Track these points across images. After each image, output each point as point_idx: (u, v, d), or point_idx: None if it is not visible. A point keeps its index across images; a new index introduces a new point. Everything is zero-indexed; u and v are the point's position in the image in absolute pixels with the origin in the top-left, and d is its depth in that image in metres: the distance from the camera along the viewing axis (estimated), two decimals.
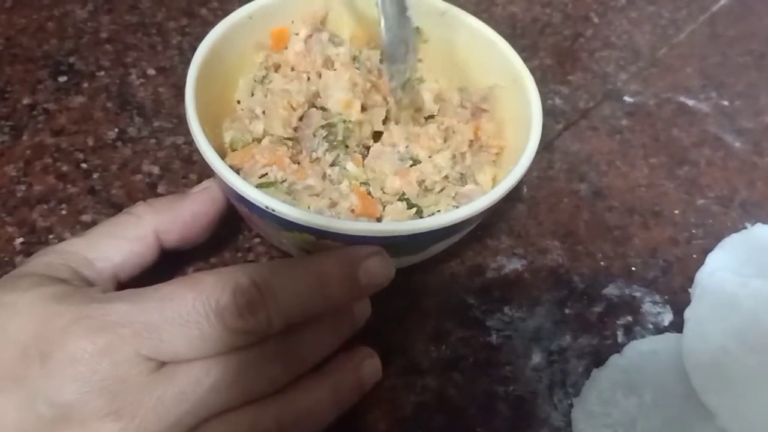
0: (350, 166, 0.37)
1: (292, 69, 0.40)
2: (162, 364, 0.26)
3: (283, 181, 0.35)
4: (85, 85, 0.46)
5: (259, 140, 0.37)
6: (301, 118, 0.38)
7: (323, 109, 0.38)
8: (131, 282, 0.32)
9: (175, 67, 0.47)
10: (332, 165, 0.37)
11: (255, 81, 0.39)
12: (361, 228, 0.30)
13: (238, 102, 0.39)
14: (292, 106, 0.37)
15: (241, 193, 0.31)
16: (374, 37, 0.42)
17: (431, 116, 0.41)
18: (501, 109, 0.40)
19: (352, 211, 0.34)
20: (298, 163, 0.36)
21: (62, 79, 0.46)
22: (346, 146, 0.37)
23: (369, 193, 0.36)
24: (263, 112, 0.37)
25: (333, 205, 0.34)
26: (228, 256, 0.39)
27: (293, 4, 0.40)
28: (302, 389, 0.30)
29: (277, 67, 0.40)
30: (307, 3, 0.41)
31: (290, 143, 0.37)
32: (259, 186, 0.33)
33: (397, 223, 0.34)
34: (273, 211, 0.30)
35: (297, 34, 0.40)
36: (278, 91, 0.38)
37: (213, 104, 0.36)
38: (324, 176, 0.36)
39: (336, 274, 0.29)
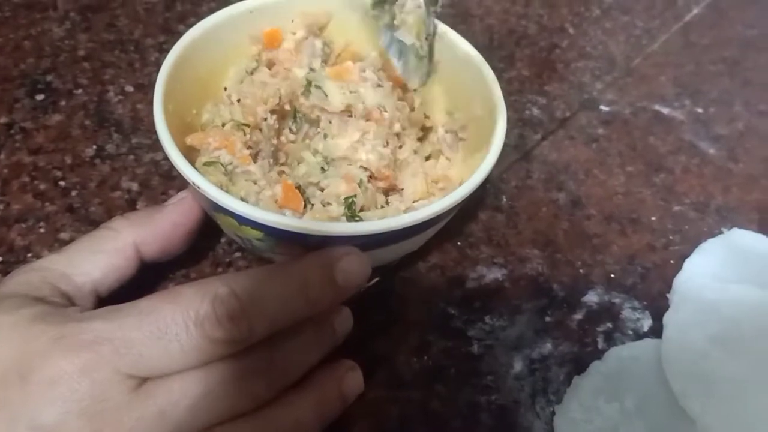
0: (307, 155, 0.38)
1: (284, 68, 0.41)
2: (143, 380, 0.26)
3: (230, 164, 0.35)
4: (63, 103, 0.46)
5: (224, 124, 0.38)
6: (276, 112, 0.39)
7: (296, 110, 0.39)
8: (112, 297, 0.32)
9: (153, 83, 0.47)
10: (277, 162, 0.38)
11: (246, 72, 0.40)
12: (272, 218, 0.30)
13: (225, 89, 0.40)
14: (263, 99, 0.38)
15: (175, 165, 0.31)
16: (362, 56, 0.43)
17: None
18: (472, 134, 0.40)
19: (276, 201, 0.35)
20: (250, 148, 0.37)
21: (39, 97, 0.46)
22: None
23: (299, 187, 0.37)
24: (238, 100, 0.38)
25: (259, 192, 0.35)
26: (208, 271, 0.39)
27: (297, 5, 0.41)
28: (285, 404, 0.29)
29: (271, 64, 0.41)
30: (310, 7, 0.42)
31: (247, 130, 0.37)
32: (204, 164, 0.35)
33: (291, 218, 0.32)
34: (198, 187, 0.31)
35: (294, 34, 0.41)
36: (258, 82, 0.39)
37: (196, 87, 0.38)
38: (269, 167, 0.37)
39: (315, 278, 0.29)
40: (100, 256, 0.32)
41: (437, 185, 0.39)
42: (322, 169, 0.37)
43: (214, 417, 0.27)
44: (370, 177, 0.37)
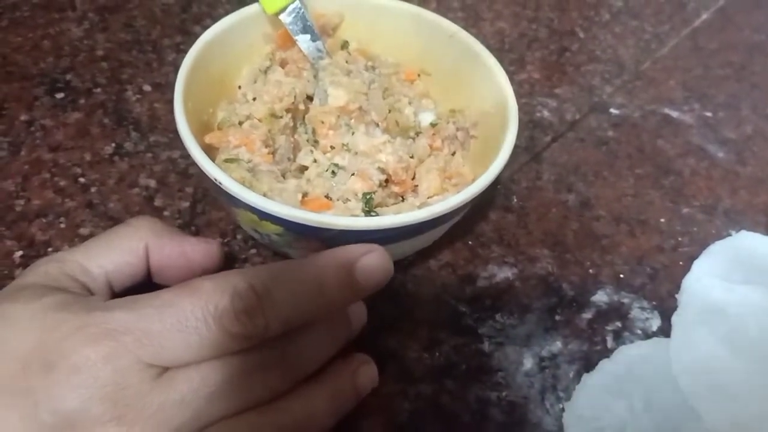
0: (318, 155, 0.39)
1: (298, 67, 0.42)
2: (164, 369, 0.26)
3: (249, 162, 0.36)
4: (82, 101, 0.46)
5: (242, 123, 0.38)
6: (290, 111, 0.40)
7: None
8: (125, 294, 0.32)
9: (171, 83, 0.47)
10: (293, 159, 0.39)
11: (260, 70, 0.41)
12: (292, 213, 0.31)
13: (240, 87, 0.41)
14: (279, 96, 0.39)
15: (197, 162, 0.32)
16: (374, 56, 0.44)
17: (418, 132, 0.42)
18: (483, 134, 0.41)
19: (298, 196, 0.36)
20: (268, 146, 0.38)
21: (59, 95, 0.47)
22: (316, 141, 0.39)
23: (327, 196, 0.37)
24: (254, 98, 0.39)
25: (282, 188, 0.35)
26: (224, 267, 0.39)
27: (310, 6, 0.42)
28: (300, 396, 0.30)
29: (284, 63, 0.42)
30: (323, 8, 0.43)
31: (266, 128, 0.38)
32: (225, 161, 0.35)
33: (322, 215, 0.33)
34: (220, 183, 0.31)
35: None
36: (273, 81, 0.40)
37: (212, 86, 0.39)
38: (288, 163, 0.38)
39: (333, 276, 0.29)
40: (115, 251, 0.32)
41: (451, 181, 0.39)
42: (333, 173, 0.38)
43: (231, 406, 0.28)
44: (387, 180, 0.38)
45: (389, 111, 0.40)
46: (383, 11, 0.43)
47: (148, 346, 0.26)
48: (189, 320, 0.26)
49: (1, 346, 0.26)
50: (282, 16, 0.41)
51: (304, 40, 0.42)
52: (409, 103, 0.41)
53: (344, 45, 0.44)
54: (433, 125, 0.42)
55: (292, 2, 0.41)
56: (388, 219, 0.32)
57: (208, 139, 0.37)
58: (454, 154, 0.41)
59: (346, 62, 0.42)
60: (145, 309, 0.27)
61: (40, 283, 0.29)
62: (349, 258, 0.29)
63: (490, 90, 0.40)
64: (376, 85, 0.41)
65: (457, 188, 0.38)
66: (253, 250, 0.40)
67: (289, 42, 0.42)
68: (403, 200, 0.38)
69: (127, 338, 0.26)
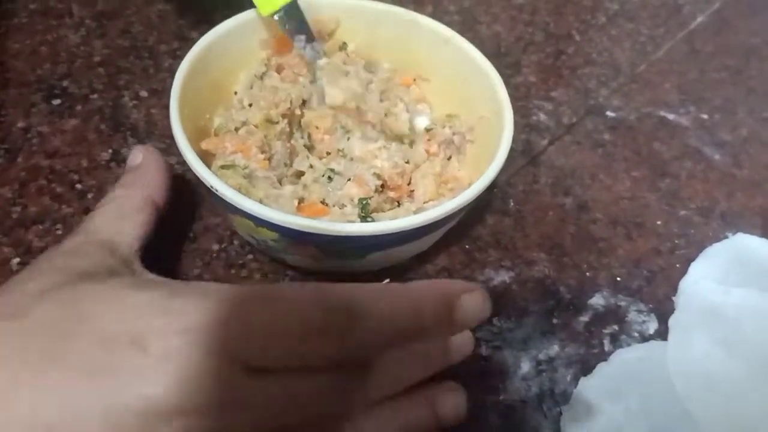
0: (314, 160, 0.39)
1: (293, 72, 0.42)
2: (247, 368, 0.26)
3: (245, 168, 0.36)
4: (79, 107, 0.47)
5: (238, 129, 0.38)
6: (286, 117, 0.40)
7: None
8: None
9: (167, 89, 0.47)
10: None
11: (255, 76, 0.41)
12: (287, 220, 0.31)
13: (236, 93, 0.41)
14: (275, 102, 0.39)
15: (193, 169, 0.33)
16: (371, 61, 0.44)
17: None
18: (480, 138, 0.41)
19: (294, 202, 0.36)
20: (264, 152, 0.38)
21: (56, 102, 0.47)
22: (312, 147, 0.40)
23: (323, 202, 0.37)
24: (250, 104, 0.39)
25: (278, 194, 0.36)
26: (221, 272, 0.39)
27: (307, 12, 0.42)
28: (371, 418, 0.29)
29: (280, 69, 0.42)
30: (319, 13, 0.43)
31: (262, 134, 0.38)
32: (222, 167, 0.36)
33: (316, 221, 0.33)
34: (215, 190, 0.32)
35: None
36: (269, 86, 0.40)
37: (209, 92, 0.39)
38: (285, 169, 0.38)
39: (431, 308, 0.27)
40: (130, 217, 0.33)
41: (447, 186, 0.40)
42: (329, 178, 0.38)
43: (305, 418, 0.27)
44: (383, 186, 0.38)
45: (385, 114, 0.40)
46: (379, 16, 0.43)
47: (238, 342, 0.25)
48: (279, 326, 0.26)
49: (83, 324, 0.25)
50: (277, 17, 0.41)
51: (299, 41, 0.42)
52: (406, 110, 0.41)
53: (342, 46, 0.44)
54: (428, 130, 0.42)
55: (287, 3, 0.41)
56: (383, 225, 0.32)
57: (205, 145, 0.37)
58: (450, 158, 0.41)
59: (344, 63, 0.42)
60: (237, 305, 0.26)
61: (90, 266, 0.29)
62: (451, 292, 0.28)
63: (486, 95, 0.40)
64: (374, 86, 0.41)
65: (453, 193, 0.39)
66: (250, 256, 0.40)
67: (285, 47, 0.42)
68: (399, 205, 0.38)
69: (216, 332, 0.25)
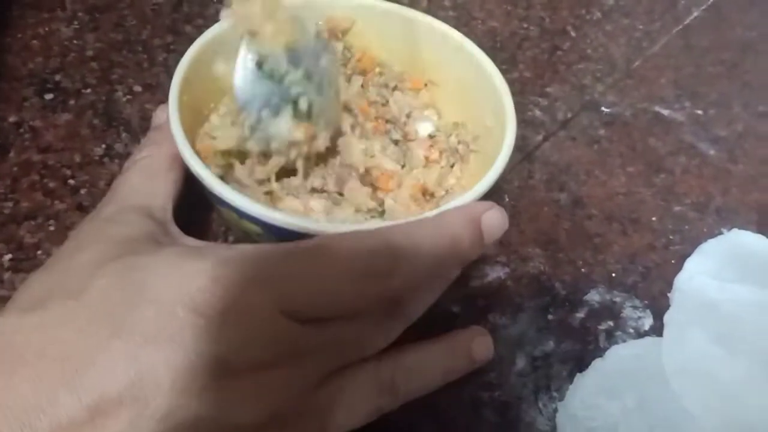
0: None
1: None
2: (300, 321, 0.26)
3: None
4: (72, 102, 0.46)
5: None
6: None
7: None
8: None
9: (162, 83, 0.48)
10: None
11: None
12: (268, 214, 0.31)
13: None
14: None
15: (181, 152, 0.33)
16: (381, 62, 0.44)
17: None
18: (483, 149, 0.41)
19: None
20: None
21: (48, 96, 0.46)
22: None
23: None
24: None
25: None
26: None
27: (323, 9, 0.42)
28: (417, 351, 0.32)
29: None
30: (335, 11, 0.42)
31: None
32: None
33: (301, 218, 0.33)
34: (201, 179, 0.32)
35: None
36: None
37: (215, 81, 0.38)
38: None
39: (467, 235, 0.30)
40: (160, 176, 0.34)
41: (437, 195, 0.39)
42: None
43: (356, 358, 0.29)
44: (372, 185, 0.38)
45: (387, 120, 0.40)
46: (392, 17, 0.43)
47: (290, 295, 0.26)
48: (328, 278, 0.27)
49: (142, 295, 0.25)
50: None
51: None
52: (407, 116, 0.41)
53: (347, 51, 0.44)
54: (431, 137, 0.41)
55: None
56: (362, 227, 0.31)
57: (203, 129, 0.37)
58: (453, 166, 0.41)
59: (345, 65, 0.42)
60: (283, 262, 0.27)
61: (135, 234, 0.29)
62: (476, 214, 0.30)
63: (492, 105, 0.39)
64: (385, 91, 0.41)
65: (435, 204, 0.38)
66: None
67: None
68: (383, 208, 0.38)
69: (266, 293, 0.26)
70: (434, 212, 0.31)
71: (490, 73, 0.40)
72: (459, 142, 0.41)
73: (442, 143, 0.41)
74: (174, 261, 0.27)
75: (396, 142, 0.41)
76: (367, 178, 0.38)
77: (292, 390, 0.26)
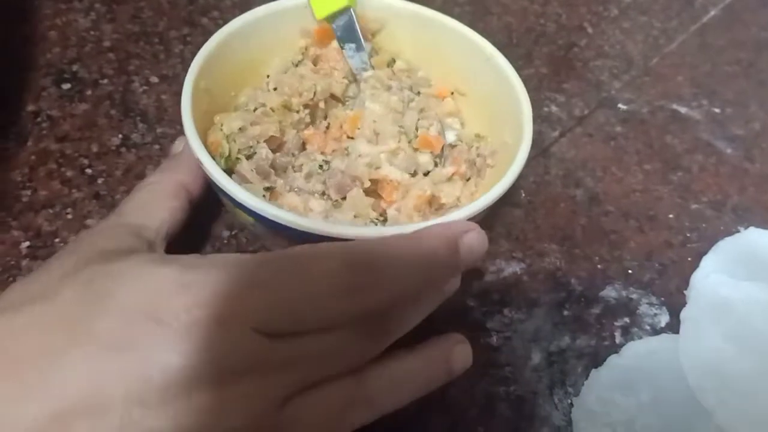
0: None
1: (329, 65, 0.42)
2: (267, 336, 0.26)
3: (250, 148, 0.37)
4: (89, 92, 0.46)
5: (256, 109, 0.38)
6: (308, 107, 0.40)
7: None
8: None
9: (178, 75, 0.48)
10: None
11: (291, 63, 0.41)
12: (259, 206, 0.31)
13: (268, 76, 0.41)
14: (298, 91, 0.39)
15: (201, 165, 0.33)
16: (408, 68, 0.44)
17: None
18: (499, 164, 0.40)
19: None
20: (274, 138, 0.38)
21: (66, 86, 0.46)
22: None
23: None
24: (274, 88, 0.39)
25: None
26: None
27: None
28: (394, 361, 0.30)
29: (317, 60, 0.42)
30: (365, 12, 0.43)
31: (276, 119, 0.38)
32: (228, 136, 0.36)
33: (321, 222, 0.33)
34: (201, 165, 0.32)
35: None
36: (298, 75, 0.40)
37: (237, 70, 0.39)
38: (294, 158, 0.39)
39: (443, 253, 0.29)
40: (161, 202, 0.34)
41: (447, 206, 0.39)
42: (320, 167, 0.38)
43: (330, 373, 0.28)
44: (375, 191, 0.38)
45: (416, 135, 0.40)
46: (425, 22, 0.43)
47: (257, 312, 0.25)
48: (307, 292, 0.26)
49: (104, 302, 0.25)
50: (334, 26, 0.41)
51: (349, 49, 0.41)
52: (431, 125, 0.41)
53: (390, 63, 0.43)
54: (452, 146, 0.41)
55: (343, 10, 0.40)
56: (349, 229, 0.32)
57: (218, 118, 0.37)
58: (469, 180, 0.40)
59: (389, 78, 0.42)
60: (259, 274, 0.26)
61: (113, 246, 0.29)
62: (455, 236, 0.29)
63: (513, 120, 0.39)
64: (414, 104, 0.41)
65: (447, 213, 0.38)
66: (261, 243, 0.40)
67: (326, 39, 0.42)
68: (385, 218, 0.38)
69: (235, 303, 0.25)
70: (413, 227, 0.30)
71: (516, 88, 0.39)
72: (478, 155, 0.40)
73: (464, 154, 0.40)
74: (142, 267, 0.27)
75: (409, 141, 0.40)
76: (371, 188, 0.38)
77: (254, 408, 0.25)
